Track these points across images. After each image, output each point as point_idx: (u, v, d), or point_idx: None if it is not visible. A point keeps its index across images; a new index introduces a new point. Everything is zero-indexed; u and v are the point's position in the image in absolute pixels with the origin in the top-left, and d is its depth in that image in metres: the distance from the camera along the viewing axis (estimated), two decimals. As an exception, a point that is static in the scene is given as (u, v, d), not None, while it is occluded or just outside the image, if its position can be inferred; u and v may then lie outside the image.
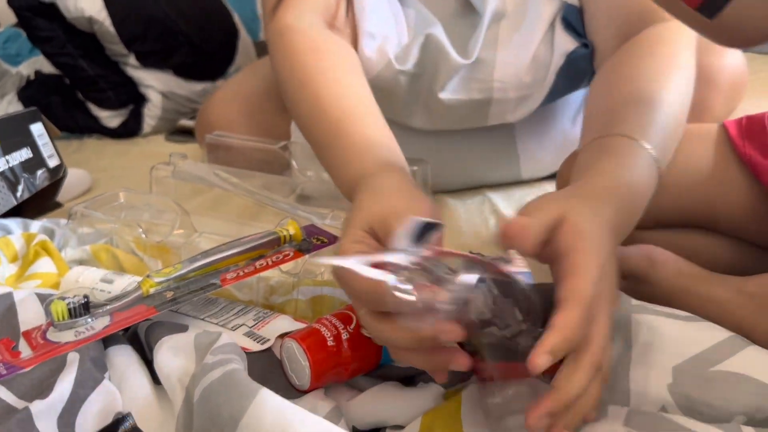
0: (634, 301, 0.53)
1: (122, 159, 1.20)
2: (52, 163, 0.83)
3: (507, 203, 0.89)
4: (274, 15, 0.75)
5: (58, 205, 0.92)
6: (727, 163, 0.71)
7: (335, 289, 0.63)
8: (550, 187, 0.92)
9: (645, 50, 0.70)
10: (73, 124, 1.30)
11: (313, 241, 0.61)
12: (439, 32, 0.81)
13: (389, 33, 0.80)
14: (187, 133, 1.26)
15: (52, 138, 0.87)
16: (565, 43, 0.81)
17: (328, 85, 0.66)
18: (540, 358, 0.40)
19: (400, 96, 0.84)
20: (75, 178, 1.04)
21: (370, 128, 0.62)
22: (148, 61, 1.27)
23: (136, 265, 0.67)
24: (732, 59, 1.00)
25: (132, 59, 1.26)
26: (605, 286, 0.45)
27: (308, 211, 0.79)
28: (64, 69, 1.26)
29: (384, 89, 0.82)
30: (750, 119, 0.72)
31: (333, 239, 0.62)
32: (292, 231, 0.60)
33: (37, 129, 0.82)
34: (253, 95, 1.07)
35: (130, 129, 1.29)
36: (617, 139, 0.58)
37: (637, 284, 0.62)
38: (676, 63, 0.69)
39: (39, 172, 0.79)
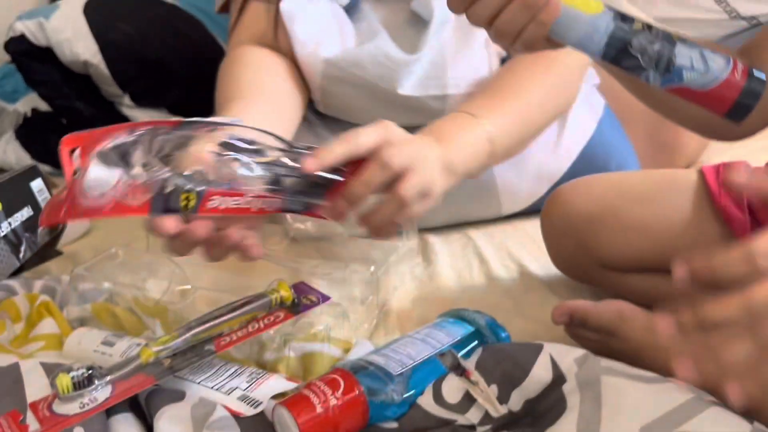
0: (604, 363, 0.56)
1: (119, 198, 1.22)
2: (52, 217, 0.86)
3: (490, 245, 0.92)
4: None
5: (58, 254, 0.95)
6: (704, 211, 0.74)
7: (324, 345, 0.67)
8: (529, 226, 0.95)
9: (531, 58, 0.83)
10: (70, 162, 1.33)
11: (303, 300, 0.64)
12: (384, 38, 0.91)
13: (325, 40, 0.91)
14: (181, 171, 1.29)
15: (50, 190, 0.90)
16: (496, 47, 0.91)
17: (230, 84, 0.85)
18: (307, 162, 0.58)
19: (354, 97, 0.92)
20: (71, 223, 1.07)
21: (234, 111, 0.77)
22: (142, 101, 1.30)
23: (135, 324, 0.70)
24: None
25: (127, 99, 1.29)
26: (406, 141, 0.62)
27: (297, 262, 0.82)
28: (61, 110, 1.29)
29: (337, 92, 0.92)
30: (727, 167, 0.76)
31: (323, 298, 0.65)
32: (283, 293, 0.63)
33: (37, 185, 0.85)
34: None
35: (126, 167, 1.32)
36: (458, 114, 0.76)
37: (608, 338, 0.65)
38: (554, 72, 0.83)
39: (40, 229, 0.82)
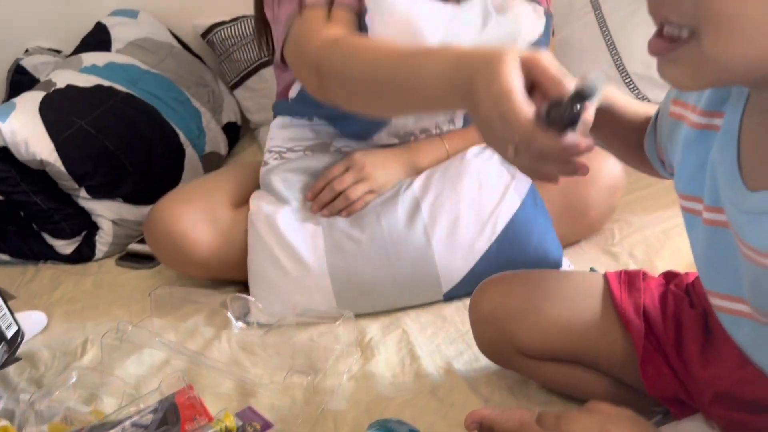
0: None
1: (76, 290, 1.28)
2: (10, 332, 0.92)
3: (422, 340, 1.00)
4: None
5: (17, 359, 1.00)
6: (609, 314, 0.83)
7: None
8: (458, 320, 1.04)
9: None
10: (29, 251, 1.38)
11: (248, 429, 0.72)
12: None
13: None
14: (135, 258, 1.35)
15: (7, 303, 0.95)
16: None
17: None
18: None
19: None
20: (31, 321, 1.12)
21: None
22: (98, 193, 1.36)
23: (88, 444, 0.76)
24: (609, 163, 1.17)
25: (83, 192, 1.35)
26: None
27: (242, 370, 0.90)
28: (19, 205, 1.34)
29: None
30: (628, 274, 0.85)
31: (266, 425, 0.72)
32: (228, 423, 0.70)
33: (-5, 303, 0.91)
34: (198, 193, 1.19)
35: (83, 255, 1.37)
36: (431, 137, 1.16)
37: None
38: None
39: (-1, 347, 0.88)
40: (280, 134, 1.18)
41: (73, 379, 0.82)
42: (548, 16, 1.12)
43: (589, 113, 0.62)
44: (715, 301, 0.65)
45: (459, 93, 0.68)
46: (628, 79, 1.43)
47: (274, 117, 1.21)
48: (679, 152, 0.66)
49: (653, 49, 0.52)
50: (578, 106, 0.60)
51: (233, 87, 1.78)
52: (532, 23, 1.08)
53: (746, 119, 0.59)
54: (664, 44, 0.51)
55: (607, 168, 1.16)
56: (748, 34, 0.47)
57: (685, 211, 0.66)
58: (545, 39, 1.11)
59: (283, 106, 1.18)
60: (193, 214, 1.13)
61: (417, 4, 1.00)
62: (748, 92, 0.59)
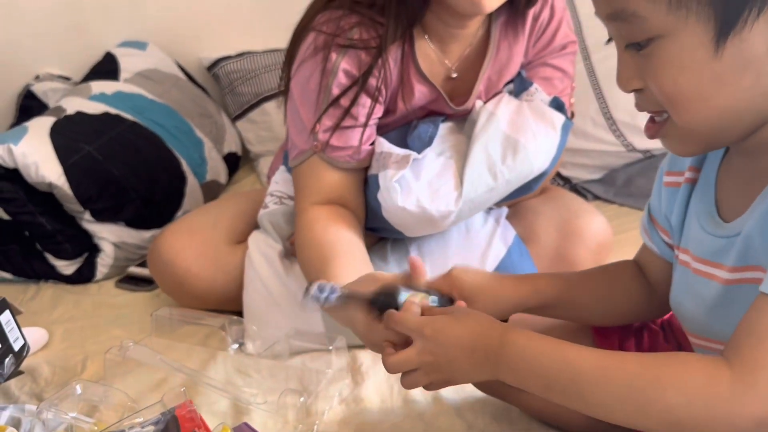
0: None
1: (76, 309, 1.32)
2: (17, 345, 0.95)
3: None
4: None
5: (20, 373, 1.04)
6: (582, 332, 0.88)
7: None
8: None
9: None
10: (31, 270, 1.42)
11: (244, 441, 0.76)
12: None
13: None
14: (134, 281, 1.40)
15: (15, 317, 0.99)
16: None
17: (323, 247, 1.01)
18: None
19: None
20: (32, 337, 1.16)
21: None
22: (101, 216, 1.40)
23: (90, 454, 0.80)
24: (597, 221, 1.21)
25: (87, 215, 1.40)
26: None
27: (237, 390, 0.94)
28: (25, 225, 1.38)
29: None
30: None
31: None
32: (224, 436, 0.74)
33: (5, 317, 0.94)
34: (201, 228, 1.23)
35: (83, 276, 1.41)
36: None
37: None
38: None
39: (7, 361, 0.91)
40: (284, 181, 1.23)
41: (79, 391, 0.86)
42: (567, 124, 1.12)
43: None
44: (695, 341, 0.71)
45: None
46: (614, 127, 1.50)
47: (283, 162, 1.25)
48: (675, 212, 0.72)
49: (648, 133, 0.64)
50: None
51: (235, 119, 1.85)
52: (545, 154, 1.09)
53: (723, 167, 0.67)
54: (654, 127, 0.63)
55: (594, 226, 1.20)
56: (696, 100, 0.58)
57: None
58: (557, 156, 1.12)
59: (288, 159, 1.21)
60: (196, 250, 1.18)
61: (425, 200, 1.04)
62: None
